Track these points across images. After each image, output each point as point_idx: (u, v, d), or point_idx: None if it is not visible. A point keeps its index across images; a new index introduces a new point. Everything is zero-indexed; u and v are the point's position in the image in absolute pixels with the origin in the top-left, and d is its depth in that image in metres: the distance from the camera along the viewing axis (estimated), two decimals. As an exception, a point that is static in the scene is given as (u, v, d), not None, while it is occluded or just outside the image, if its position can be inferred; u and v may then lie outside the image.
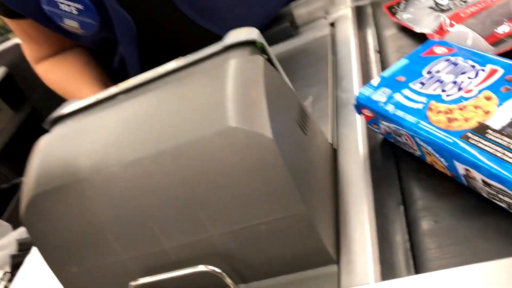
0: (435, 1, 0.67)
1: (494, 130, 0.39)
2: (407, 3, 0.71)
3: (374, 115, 0.49)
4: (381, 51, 0.66)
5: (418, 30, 0.64)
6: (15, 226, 1.30)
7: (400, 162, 0.48)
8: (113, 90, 0.50)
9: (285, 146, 0.39)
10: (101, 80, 0.81)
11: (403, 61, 0.53)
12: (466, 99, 0.44)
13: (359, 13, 0.76)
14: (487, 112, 0.41)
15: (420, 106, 0.45)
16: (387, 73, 0.52)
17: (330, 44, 0.72)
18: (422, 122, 0.44)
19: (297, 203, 0.39)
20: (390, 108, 0.47)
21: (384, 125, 0.49)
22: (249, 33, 0.46)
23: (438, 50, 0.52)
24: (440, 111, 0.44)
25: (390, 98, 0.48)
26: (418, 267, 0.39)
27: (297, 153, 0.42)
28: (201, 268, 0.42)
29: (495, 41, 0.56)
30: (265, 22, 0.81)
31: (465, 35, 0.57)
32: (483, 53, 0.49)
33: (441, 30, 0.60)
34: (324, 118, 0.57)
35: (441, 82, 0.47)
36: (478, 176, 0.39)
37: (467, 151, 0.39)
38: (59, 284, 0.47)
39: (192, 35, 0.77)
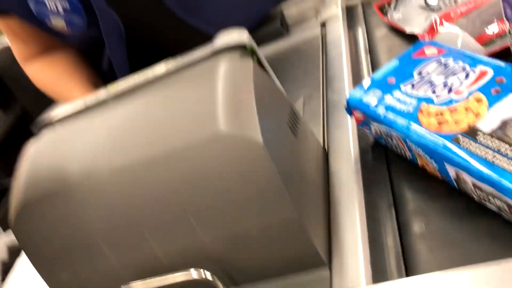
0: (425, 0, 0.67)
1: (484, 133, 0.39)
2: (398, 3, 0.71)
3: (365, 118, 0.49)
4: (371, 51, 0.66)
5: (408, 30, 0.64)
6: (4, 228, 1.29)
7: (391, 164, 0.48)
8: (102, 93, 0.49)
9: (276, 151, 0.38)
10: (92, 81, 0.80)
11: (394, 62, 0.53)
12: (457, 101, 0.44)
13: (350, 13, 0.76)
14: (477, 114, 0.41)
15: (410, 108, 0.45)
16: (377, 74, 0.52)
17: (321, 45, 0.72)
18: (413, 124, 0.44)
19: (287, 207, 0.38)
20: (381, 110, 0.47)
21: (375, 127, 0.49)
22: (239, 35, 0.46)
23: (429, 51, 0.52)
24: (430, 113, 0.44)
25: (380, 100, 0.48)
26: (409, 270, 0.39)
27: (287, 157, 0.42)
28: (192, 272, 0.42)
29: (486, 41, 0.56)
30: (255, 21, 0.81)
31: (456, 35, 0.57)
32: (473, 54, 0.49)
33: (431, 30, 0.61)
34: (315, 120, 0.57)
35: (432, 83, 0.47)
36: (468, 179, 0.39)
37: (458, 154, 0.39)
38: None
39: (181, 34, 0.76)
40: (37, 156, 0.46)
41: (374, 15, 0.71)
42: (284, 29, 0.81)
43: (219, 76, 0.41)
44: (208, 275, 0.41)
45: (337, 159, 0.51)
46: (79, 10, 0.69)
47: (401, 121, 0.45)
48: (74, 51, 0.82)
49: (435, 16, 0.61)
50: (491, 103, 0.41)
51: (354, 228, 0.43)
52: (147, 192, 0.40)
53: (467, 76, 0.46)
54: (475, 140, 0.39)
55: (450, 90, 0.45)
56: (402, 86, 0.48)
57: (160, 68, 0.47)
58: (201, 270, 0.41)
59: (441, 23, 0.60)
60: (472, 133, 0.40)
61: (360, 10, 0.76)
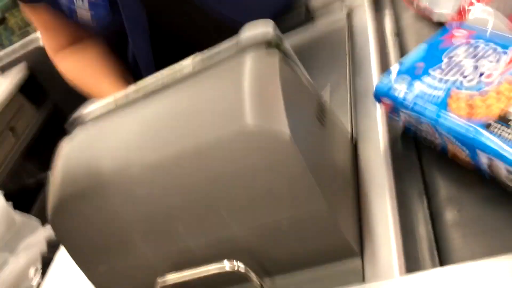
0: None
1: (517, 118, 0.38)
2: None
3: (394, 105, 0.49)
4: (399, 36, 0.65)
5: (436, 17, 0.62)
6: (43, 221, 1.33)
7: (421, 152, 0.48)
8: (131, 89, 0.50)
9: (304, 142, 0.39)
10: (119, 73, 0.81)
11: (422, 47, 0.52)
12: (488, 85, 0.43)
13: (376, -1, 0.75)
14: (510, 99, 0.40)
15: (440, 93, 0.45)
16: (406, 59, 0.51)
17: (347, 31, 0.71)
18: (443, 111, 0.43)
19: (317, 199, 0.39)
20: (410, 98, 0.46)
21: (405, 114, 0.48)
22: (265, 27, 0.46)
23: (458, 33, 0.51)
24: (461, 99, 0.43)
25: (410, 86, 0.47)
26: (443, 258, 0.39)
27: (316, 148, 0.42)
28: (225, 264, 0.42)
29: (518, 21, 0.54)
30: (280, 9, 0.80)
31: (487, 17, 0.55)
32: (506, 36, 0.47)
33: (461, 13, 0.59)
34: (343, 108, 0.57)
35: (462, 67, 0.46)
36: (502, 166, 0.38)
37: (490, 140, 0.39)
38: (88, 283, 0.48)
39: (205, 26, 0.76)
40: (71, 153, 0.47)
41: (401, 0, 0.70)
42: (309, 16, 0.80)
43: (245, 70, 0.41)
44: (241, 267, 0.42)
45: (366, 148, 0.50)
46: (104, 2, 0.70)
47: (431, 108, 0.44)
48: (103, 43, 0.83)
49: (464, -2, 0.59)
50: (524, 87, 0.40)
51: (385, 218, 0.43)
52: (179, 186, 0.41)
53: (498, 59, 0.45)
54: (508, 126, 0.38)
55: (481, 74, 0.44)
56: (431, 71, 0.47)
57: (187, 63, 0.48)
58: (234, 261, 0.42)
59: (471, 3, 0.58)
60: (504, 118, 0.39)
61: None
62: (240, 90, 0.40)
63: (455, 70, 0.46)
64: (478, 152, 0.40)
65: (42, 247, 0.81)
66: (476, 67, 0.45)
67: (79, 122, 0.52)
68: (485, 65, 0.45)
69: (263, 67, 0.41)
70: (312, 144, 0.41)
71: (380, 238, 0.42)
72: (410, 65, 0.50)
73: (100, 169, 0.43)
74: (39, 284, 0.68)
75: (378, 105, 0.53)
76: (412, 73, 0.49)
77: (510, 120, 0.38)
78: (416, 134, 0.49)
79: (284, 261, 0.44)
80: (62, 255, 0.68)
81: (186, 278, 0.43)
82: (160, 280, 0.45)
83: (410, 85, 0.47)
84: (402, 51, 0.62)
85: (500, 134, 0.38)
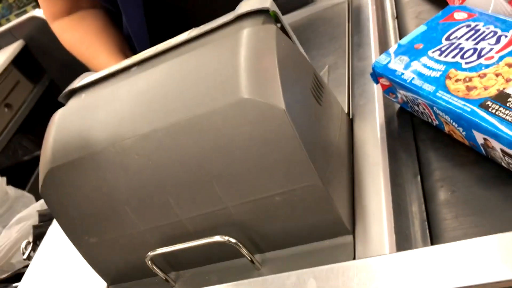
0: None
1: (514, 99, 0.38)
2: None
3: (391, 84, 0.48)
4: (399, 17, 0.64)
5: (438, -6, 0.62)
6: (37, 197, 1.33)
7: (417, 132, 0.47)
8: (126, 62, 0.50)
9: (298, 117, 0.38)
10: (118, 44, 0.80)
11: (422, 28, 0.51)
12: (487, 66, 0.42)
13: (376, -22, 0.74)
14: (508, 80, 0.40)
15: (438, 74, 0.44)
16: (405, 40, 0.50)
17: (346, 11, 0.71)
18: (440, 91, 0.43)
19: (311, 174, 0.38)
20: (407, 76, 0.46)
21: (401, 94, 0.48)
22: (262, 1, 0.45)
23: (459, 15, 0.50)
24: (459, 79, 0.43)
25: (407, 66, 0.47)
26: (434, 237, 0.39)
27: (310, 124, 0.42)
28: (216, 238, 0.42)
29: (519, 4, 0.53)
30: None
31: (487, -1, 0.55)
32: (506, 18, 0.47)
33: (462, -6, 0.58)
34: (341, 87, 0.56)
35: (461, 49, 0.45)
36: (497, 146, 0.38)
37: (486, 120, 0.38)
38: (79, 254, 0.48)
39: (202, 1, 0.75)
40: (63, 123, 0.47)
41: (402, -20, 0.69)
42: (309, -4, 0.80)
43: (242, 41, 0.40)
44: (232, 241, 0.42)
45: (362, 127, 0.50)
46: None
47: (427, 87, 0.44)
48: (102, 11, 0.82)
49: (466, -21, 0.59)
50: (523, 68, 0.40)
51: (378, 196, 0.42)
52: (171, 158, 0.41)
53: (498, 40, 0.44)
54: (505, 106, 0.38)
55: (480, 56, 0.44)
56: (430, 52, 0.47)
57: (183, 37, 0.47)
58: (226, 237, 0.42)
59: (472, -14, 0.58)
60: (502, 98, 0.39)
61: (387, -25, 0.74)
62: (236, 63, 0.39)
63: (454, 51, 0.46)
64: (474, 131, 0.40)
65: (34, 220, 0.81)
66: (475, 49, 0.45)
67: (72, 94, 0.52)
68: (485, 47, 0.44)
69: (259, 40, 0.41)
70: (307, 120, 0.41)
71: (373, 216, 0.41)
72: (408, 45, 0.49)
73: (92, 139, 0.43)
74: (31, 257, 0.68)
75: (374, 84, 0.53)
76: (411, 53, 0.48)
77: (507, 100, 0.38)
78: (413, 114, 0.49)
79: (275, 237, 0.43)
80: (55, 229, 0.68)
81: (177, 252, 0.43)
82: (150, 254, 0.45)
83: (408, 65, 0.47)
84: (401, 33, 0.62)
85: (496, 114, 0.38)
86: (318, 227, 0.42)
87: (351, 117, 0.52)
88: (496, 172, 0.40)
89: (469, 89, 0.41)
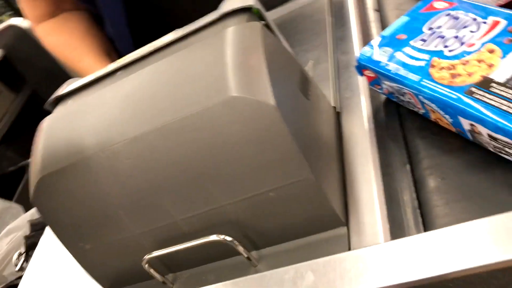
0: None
1: (498, 83, 0.39)
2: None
3: (376, 76, 0.49)
4: (380, 9, 0.65)
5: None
6: (26, 207, 1.32)
7: (404, 121, 0.48)
8: (112, 66, 0.50)
9: (288, 113, 0.38)
10: (103, 46, 0.80)
11: (403, 19, 0.52)
12: (469, 53, 0.43)
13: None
14: (490, 66, 0.41)
15: (422, 63, 0.45)
16: (387, 32, 0.51)
17: (327, 6, 0.71)
18: (425, 79, 0.43)
19: (303, 169, 0.39)
20: (392, 67, 0.47)
21: (387, 85, 0.48)
22: (245, -1, 0.45)
23: (439, 5, 0.51)
24: (443, 67, 0.43)
25: (391, 57, 0.47)
26: (427, 224, 0.40)
27: (300, 119, 0.42)
28: (212, 237, 0.42)
29: (496, -9, 0.54)
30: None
31: (466, -13, 0.55)
32: (484, 5, 0.48)
33: (440, -16, 0.59)
34: (326, 82, 0.57)
35: (443, 37, 0.46)
36: (483, 131, 0.39)
37: (472, 106, 0.39)
38: (74, 261, 0.48)
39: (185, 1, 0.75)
40: (52, 130, 0.46)
41: (381, -28, 0.70)
42: (289, -8, 0.80)
43: (228, 40, 0.41)
44: (228, 240, 0.42)
45: (349, 120, 0.51)
46: None
47: (412, 76, 0.44)
48: (86, 14, 0.82)
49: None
50: (504, 53, 0.41)
51: (370, 186, 0.43)
52: (162, 159, 0.41)
53: (478, 27, 0.45)
54: (489, 91, 0.39)
55: (462, 43, 0.44)
56: (412, 42, 0.48)
57: (168, 38, 0.47)
58: (222, 236, 0.42)
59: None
60: (485, 84, 0.39)
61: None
62: (223, 61, 0.39)
63: (436, 40, 0.46)
64: (460, 118, 0.40)
65: (25, 231, 0.80)
66: (457, 37, 0.45)
67: (59, 101, 0.51)
68: (466, 35, 0.45)
69: (245, 38, 0.41)
70: (297, 115, 0.41)
71: (365, 206, 0.42)
72: (391, 37, 0.50)
73: (82, 145, 0.43)
74: (24, 268, 0.67)
75: (359, 77, 0.53)
76: (394, 44, 0.49)
77: (491, 86, 0.39)
78: (399, 104, 0.49)
79: (271, 233, 0.44)
80: (47, 238, 0.68)
81: (174, 253, 0.44)
82: (147, 257, 0.44)
83: (392, 56, 0.48)
84: (383, 25, 0.62)
85: (481, 100, 0.39)
86: (312, 221, 0.42)
87: (338, 110, 0.53)
88: (484, 157, 0.41)
89: (453, 76, 0.42)
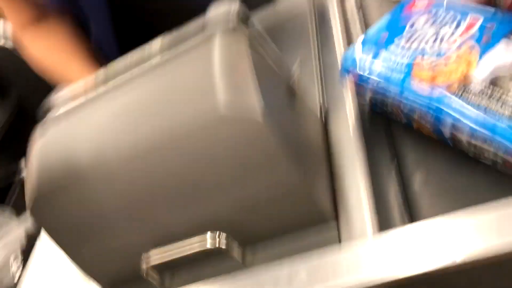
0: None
1: (477, 80, 0.40)
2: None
3: (359, 78, 0.50)
4: (362, 8, 0.66)
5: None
6: (17, 212, 1.32)
7: (390, 122, 0.49)
8: (100, 75, 0.50)
9: (276, 121, 0.39)
10: (89, 52, 0.80)
11: (385, 18, 0.53)
12: (449, 50, 0.44)
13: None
14: (469, 63, 0.42)
15: (405, 60, 0.46)
16: (369, 33, 0.52)
17: (310, 7, 0.72)
18: (407, 79, 0.45)
19: (291, 172, 0.40)
20: (373, 68, 0.48)
21: (370, 86, 0.49)
22: (231, 4, 0.46)
23: (420, 3, 0.53)
24: (424, 66, 0.45)
25: (375, 56, 0.49)
26: (413, 217, 0.41)
27: (288, 129, 0.43)
28: (208, 235, 0.44)
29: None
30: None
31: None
32: (463, 3, 0.49)
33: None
34: (311, 83, 0.58)
35: (424, 35, 0.48)
36: (463, 137, 0.40)
37: (452, 105, 0.40)
38: (70, 266, 0.49)
39: (170, 6, 0.76)
40: (45, 147, 0.46)
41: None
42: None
43: (215, 52, 0.41)
44: (223, 237, 0.43)
45: (336, 119, 0.52)
46: None
47: (395, 76, 0.46)
48: (71, 19, 0.82)
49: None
50: (483, 50, 0.42)
51: (357, 184, 0.45)
52: (157, 171, 0.42)
53: (458, 25, 0.47)
54: (469, 88, 0.40)
55: (441, 41, 0.46)
56: (395, 42, 0.49)
57: (155, 45, 0.48)
58: (216, 232, 0.43)
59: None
60: (466, 81, 0.41)
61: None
62: (210, 72, 0.40)
63: (418, 38, 0.48)
64: (442, 118, 0.42)
65: (21, 237, 0.81)
66: (437, 34, 0.47)
67: (50, 111, 0.52)
68: (446, 32, 0.47)
69: (232, 47, 0.42)
70: (285, 126, 0.42)
71: (353, 203, 0.44)
72: (373, 37, 0.51)
73: (76, 160, 0.43)
74: (20, 272, 0.68)
75: (345, 77, 0.55)
76: (376, 45, 0.50)
77: (471, 82, 0.41)
78: (383, 103, 0.51)
79: (263, 231, 0.45)
80: (42, 244, 0.68)
81: (171, 253, 0.45)
82: (145, 255, 0.46)
83: (374, 57, 0.49)
84: (367, 21, 0.64)
85: (462, 96, 0.40)
86: (303, 219, 0.44)
87: (324, 111, 0.54)
88: (466, 155, 0.42)
89: (435, 75, 0.43)
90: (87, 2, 0.71)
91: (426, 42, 0.47)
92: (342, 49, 0.60)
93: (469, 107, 0.40)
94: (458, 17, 0.47)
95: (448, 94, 0.41)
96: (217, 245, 0.43)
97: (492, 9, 0.46)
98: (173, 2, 0.75)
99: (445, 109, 0.41)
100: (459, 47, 0.44)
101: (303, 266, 0.41)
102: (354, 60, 0.50)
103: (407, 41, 0.48)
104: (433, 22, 0.49)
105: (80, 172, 0.43)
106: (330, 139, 0.50)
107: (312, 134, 0.49)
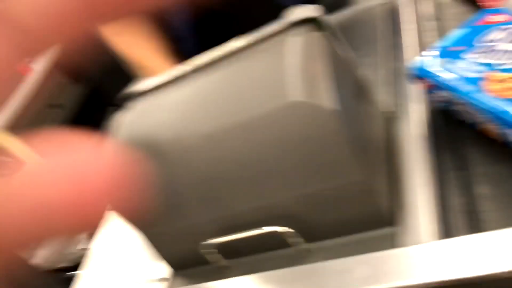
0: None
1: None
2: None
3: (430, 85, 0.51)
4: (437, 19, 0.66)
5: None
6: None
7: (457, 129, 0.50)
8: (182, 68, 0.54)
9: (346, 118, 0.41)
10: (167, 48, 0.85)
11: (460, 30, 0.54)
12: (523, 67, 0.45)
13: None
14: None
15: (476, 75, 0.47)
16: (444, 42, 0.53)
17: (384, 13, 0.73)
18: (478, 92, 0.45)
19: (355, 171, 0.42)
20: (446, 77, 0.49)
21: (441, 94, 0.50)
22: (311, 9, 0.49)
23: (496, 18, 0.53)
24: (496, 80, 0.45)
25: (447, 68, 0.50)
26: (476, 228, 0.42)
27: (356, 124, 0.45)
28: (269, 228, 0.46)
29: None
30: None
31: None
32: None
33: (498, -4, 0.60)
34: (380, 88, 0.59)
35: (498, 51, 0.48)
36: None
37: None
38: (136, 244, 0.52)
39: (252, 6, 0.79)
40: (128, 126, 0.51)
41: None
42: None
43: (292, 47, 0.44)
44: (284, 231, 0.46)
45: (403, 125, 0.53)
46: None
47: (466, 88, 0.46)
48: (152, 16, 0.87)
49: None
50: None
51: (421, 189, 0.45)
52: (229, 156, 0.45)
53: (533, 42, 0.47)
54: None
55: (516, 57, 0.46)
56: (467, 54, 0.50)
57: (235, 44, 0.51)
58: (278, 227, 0.46)
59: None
60: (538, 98, 0.41)
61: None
62: (287, 68, 0.42)
63: (492, 53, 0.48)
64: (509, 130, 0.42)
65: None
66: (511, 51, 0.47)
67: (132, 97, 0.56)
68: (521, 48, 0.47)
69: (309, 45, 0.44)
70: (352, 120, 0.44)
71: (415, 209, 0.45)
72: (447, 47, 0.52)
73: (157, 139, 0.47)
74: (88, 245, 0.72)
75: (415, 85, 0.56)
76: (450, 55, 0.51)
77: (543, 99, 0.41)
78: (452, 112, 0.51)
79: (323, 228, 0.47)
80: (109, 222, 0.73)
81: (233, 241, 0.48)
82: (209, 242, 0.49)
83: (447, 67, 0.50)
84: (440, 34, 0.64)
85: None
86: (362, 219, 0.45)
87: (392, 116, 0.55)
88: (534, 166, 0.42)
89: (506, 89, 0.44)
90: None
91: (499, 58, 0.47)
92: (413, 55, 0.61)
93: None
94: (535, 33, 0.47)
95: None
96: (282, 232, 0.45)
97: None
98: (251, 6, 0.78)
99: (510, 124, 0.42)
100: (535, 63, 0.44)
101: (361, 264, 0.42)
102: (426, 67, 0.51)
103: (481, 53, 0.49)
104: (508, 39, 0.49)
105: (161, 148, 0.47)
106: (394, 141, 0.52)
107: (376, 133, 0.50)
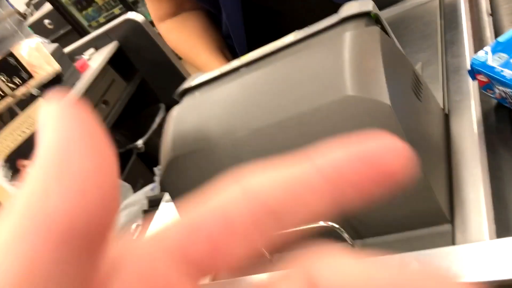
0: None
1: None
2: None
3: (489, 80, 0.50)
4: (493, 14, 0.65)
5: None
6: (133, 186, 1.44)
7: (516, 126, 0.49)
8: (235, 63, 0.55)
9: (402, 112, 0.41)
10: (217, 44, 0.87)
11: (520, 25, 0.52)
12: None
13: (469, -26, 0.74)
14: None
15: (538, 70, 0.45)
16: (503, 37, 0.52)
17: (438, 8, 0.72)
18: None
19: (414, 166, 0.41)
20: (506, 73, 0.47)
21: (500, 90, 0.49)
22: (364, 4, 0.48)
23: (559, 11, 0.51)
24: (560, 75, 0.44)
25: (506, 63, 0.48)
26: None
27: (412, 118, 0.44)
28: (320, 223, 0.46)
29: None
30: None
31: None
32: None
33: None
34: (435, 84, 0.58)
35: (562, 45, 0.46)
36: None
37: None
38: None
39: (303, 4, 0.79)
40: (181, 118, 0.52)
41: (496, -25, 0.69)
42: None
43: (346, 42, 0.44)
44: (335, 227, 0.46)
45: (459, 122, 0.52)
46: None
47: (528, 83, 0.45)
48: (203, 13, 0.89)
49: None
50: None
51: (477, 187, 0.44)
52: (280, 151, 0.45)
53: None
54: None
55: None
56: (529, 49, 0.48)
57: (289, 39, 0.51)
58: (329, 222, 0.46)
59: None
60: None
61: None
62: (341, 61, 0.43)
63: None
64: None
65: (141, 206, 0.89)
66: None
67: (186, 92, 0.57)
68: None
69: (364, 40, 0.44)
70: (409, 115, 0.44)
71: (472, 206, 0.44)
72: (507, 43, 0.51)
73: (208, 132, 0.48)
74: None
75: (470, 81, 0.54)
76: (509, 51, 0.49)
77: None
78: (511, 109, 0.50)
79: (377, 225, 0.47)
80: (162, 213, 0.75)
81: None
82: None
83: (507, 62, 0.48)
84: (496, 30, 0.62)
85: None
86: (417, 215, 0.45)
87: (447, 112, 0.54)
88: None
89: None
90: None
91: None
92: (469, 53, 0.59)
93: None
94: None
95: None
96: (331, 228, 0.45)
97: None
98: (303, 3, 0.78)
99: None
100: None
101: (415, 260, 0.42)
102: (484, 64, 0.50)
103: (542, 49, 0.47)
104: None
105: (211, 141, 0.48)
106: (452, 138, 0.51)
107: (434, 128, 0.49)
